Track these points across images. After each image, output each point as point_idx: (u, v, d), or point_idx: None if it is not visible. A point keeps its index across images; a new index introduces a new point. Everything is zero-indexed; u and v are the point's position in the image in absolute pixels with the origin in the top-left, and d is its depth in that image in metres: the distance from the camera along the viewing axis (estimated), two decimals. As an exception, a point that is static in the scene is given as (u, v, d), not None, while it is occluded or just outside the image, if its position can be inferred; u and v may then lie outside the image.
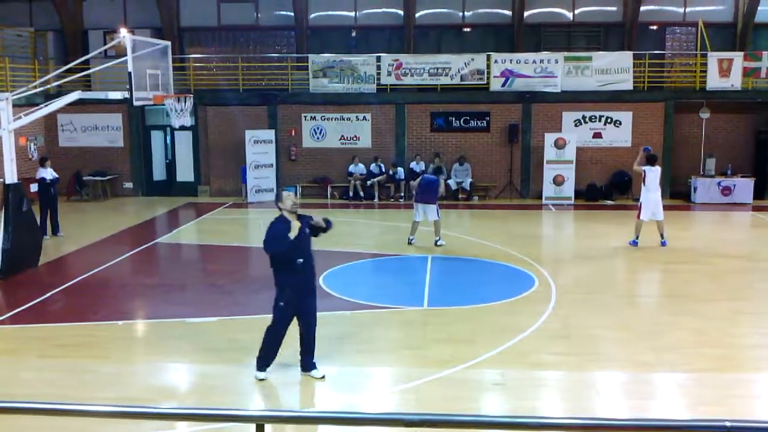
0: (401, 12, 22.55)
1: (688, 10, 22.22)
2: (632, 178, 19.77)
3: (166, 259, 14.35)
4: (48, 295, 10.81)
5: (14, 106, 12.51)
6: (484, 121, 20.86)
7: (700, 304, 10.15)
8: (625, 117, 20.53)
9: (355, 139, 21.09)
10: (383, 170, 20.61)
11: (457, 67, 20.42)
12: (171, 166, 22.22)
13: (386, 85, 20.72)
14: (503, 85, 20.39)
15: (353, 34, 23.14)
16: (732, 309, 9.96)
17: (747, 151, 21.02)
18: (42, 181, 14.97)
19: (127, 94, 12.52)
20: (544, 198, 20.15)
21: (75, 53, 20.80)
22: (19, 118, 12.41)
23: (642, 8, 21.82)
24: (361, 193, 20.51)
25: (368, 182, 20.53)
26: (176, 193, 21.45)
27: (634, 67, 20.14)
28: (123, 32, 15.54)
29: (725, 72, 19.93)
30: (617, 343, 8.71)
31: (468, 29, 22.90)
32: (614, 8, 22.45)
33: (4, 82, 18.37)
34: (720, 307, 10.00)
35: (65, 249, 14.15)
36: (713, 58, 20.05)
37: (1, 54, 19.60)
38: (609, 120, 20.59)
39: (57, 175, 15.53)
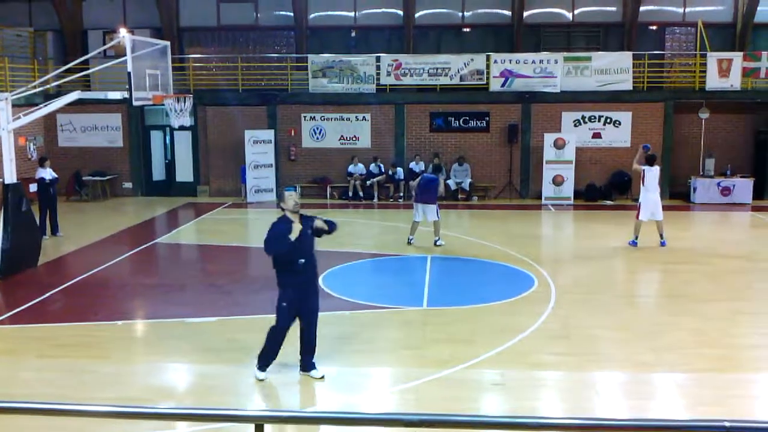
0: (401, 12, 22.55)
1: (687, 10, 22.23)
2: (632, 178, 19.79)
3: (165, 260, 14.35)
4: (47, 295, 10.80)
5: (13, 106, 12.50)
6: (484, 122, 20.87)
7: (700, 305, 10.15)
8: (625, 117, 20.53)
9: (354, 139, 21.09)
10: (383, 170, 20.61)
11: (456, 67, 20.42)
12: (170, 166, 22.21)
13: (386, 85, 20.72)
14: (503, 85, 20.39)
15: (353, 34, 23.13)
16: (731, 309, 9.96)
17: (746, 152, 21.03)
18: (41, 181, 14.96)
19: (126, 94, 12.51)
20: (543, 198, 20.16)
21: (74, 53, 20.80)
22: (19, 118, 12.40)
23: (641, 8, 21.83)
24: (361, 194, 20.52)
25: (368, 182, 20.53)
26: (176, 193, 21.44)
27: (633, 68, 20.14)
28: (122, 32, 15.52)
29: (725, 72, 19.93)
30: (617, 344, 8.71)
31: (467, 29, 22.90)
32: (614, 8, 22.45)
33: (4, 82, 18.37)
34: (719, 308, 10.00)
35: (64, 249, 14.15)
36: (713, 58, 20.06)
37: (0, 54, 19.59)
38: (608, 120, 20.60)
39: (56, 175, 15.54)
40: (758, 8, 21.40)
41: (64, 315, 10.10)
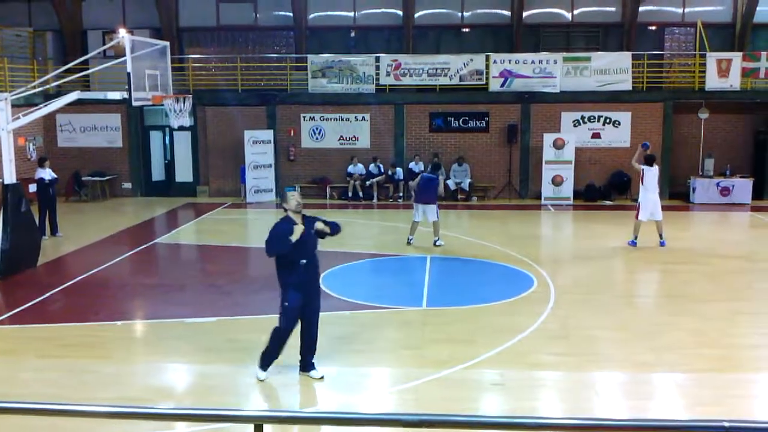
0: (400, 12, 22.56)
1: (686, 10, 22.24)
2: (631, 178, 19.80)
3: (165, 260, 14.34)
4: (47, 295, 10.80)
5: (13, 106, 12.51)
6: (483, 122, 20.87)
7: (699, 305, 10.16)
8: (624, 117, 20.54)
9: (354, 139, 21.10)
10: (382, 170, 20.62)
11: (456, 67, 20.43)
12: (170, 167, 22.21)
13: (385, 85, 20.73)
14: (502, 85, 20.40)
15: (352, 34, 23.13)
16: (731, 309, 9.97)
17: (746, 152, 21.04)
18: (41, 182, 14.96)
19: (126, 95, 12.51)
20: (542, 198, 20.16)
21: (74, 53, 20.78)
22: (18, 118, 12.40)
23: (641, 8, 21.83)
24: (360, 194, 20.52)
25: (367, 182, 20.53)
26: (175, 194, 21.44)
27: (633, 68, 20.15)
28: (122, 32, 15.54)
29: (724, 72, 19.94)
30: (616, 344, 8.72)
31: (467, 29, 22.91)
32: (613, 9, 22.46)
33: (3, 82, 18.37)
34: (719, 308, 10.00)
35: (64, 249, 14.15)
36: (712, 58, 20.06)
37: (0, 54, 19.58)
38: (608, 120, 20.61)
39: (56, 176, 15.54)
40: (757, 8, 21.41)
41: (64, 315, 10.10)
